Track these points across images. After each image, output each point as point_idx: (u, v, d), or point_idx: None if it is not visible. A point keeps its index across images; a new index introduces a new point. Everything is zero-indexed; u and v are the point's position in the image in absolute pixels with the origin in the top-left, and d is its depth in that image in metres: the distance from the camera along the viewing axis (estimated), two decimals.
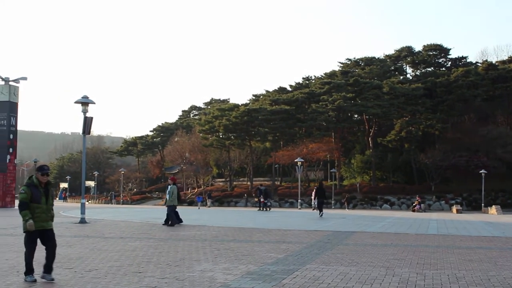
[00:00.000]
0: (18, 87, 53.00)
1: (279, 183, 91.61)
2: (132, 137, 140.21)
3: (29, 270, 9.26)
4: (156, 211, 47.84)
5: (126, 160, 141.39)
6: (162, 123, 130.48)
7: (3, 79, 52.15)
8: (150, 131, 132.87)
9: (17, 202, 53.37)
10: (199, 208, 55.59)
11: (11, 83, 52.29)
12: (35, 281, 9.12)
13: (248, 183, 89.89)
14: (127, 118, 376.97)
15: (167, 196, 25.36)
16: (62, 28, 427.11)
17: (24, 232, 9.40)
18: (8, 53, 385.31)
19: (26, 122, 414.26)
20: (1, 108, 51.83)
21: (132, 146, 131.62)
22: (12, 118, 52.10)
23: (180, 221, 24.89)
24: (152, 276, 9.93)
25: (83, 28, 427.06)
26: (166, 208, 25.44)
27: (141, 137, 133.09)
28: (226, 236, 19.19)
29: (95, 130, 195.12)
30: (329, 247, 15.72)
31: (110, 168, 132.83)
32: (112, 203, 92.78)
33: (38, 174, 9.44)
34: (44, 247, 9.39)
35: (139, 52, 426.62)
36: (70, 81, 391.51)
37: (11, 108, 52.24)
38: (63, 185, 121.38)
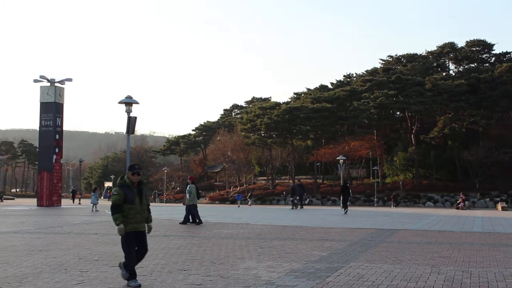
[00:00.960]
0: (63, 88, 53.74)
1: (321, 181, 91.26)
2: (175, 136, 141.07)
3: (132, 274, 8.87)
4: (199, 209, 48.13)
5: (169, 159, 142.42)
6: (204, 122, 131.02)
7: (48, 81, 52.91)
8: (193, 130, 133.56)
9: (63, 201, 54.14)
10: (238, 206, 55.49)
11: (56, 84, 53.03)
12: (139, 286, 8.75)
13: (290, 181, 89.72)
14: (169, 117, 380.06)
15: (187, 195, 25.34)
16: (106, 29, 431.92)
17: (120, 235, 8.98)
18: (54, 54, 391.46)
19: (71, 122, 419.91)
20: (47, 109, 52.62)
21: (175, 145, 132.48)
22: (57, 118, 52.85)
23: (200, 221, 24.44)
24: (196, 274, 10.02)
25: (126, 29, 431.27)
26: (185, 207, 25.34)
27: (183, 136, 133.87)
28: (269, 234, 19.24)
29: (139, 130, 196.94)
30: (372, 244, 15.66)
31: (154, 167, 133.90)
32: (155, 202, 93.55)
33: (129, 174, 9.03)
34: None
35: (182, 52, 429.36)
36: (114, 81, 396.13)
37: (57, 109, 52.99)
38: (108, 184, 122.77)
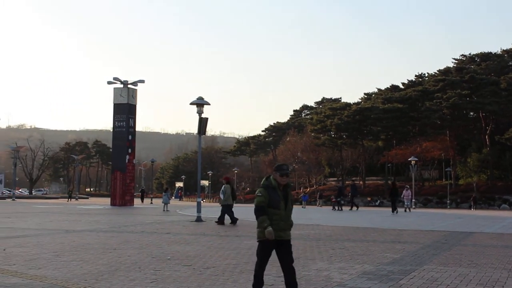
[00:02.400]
0: (136, 89, 54.79)
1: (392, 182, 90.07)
2: (245, 137, 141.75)
3: (258, 284, 8.22)
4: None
5: (239, 160, 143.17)
6: (274, 123, 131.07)
7: (122, 83, 54.01)
8: (262, 131, 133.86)
9: (135, 200, 55.15)
10: (303, 207, 54.82)
11: (129, 86, 54.11)
12: None
13: (361, 182, 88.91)
14: (239, 118, 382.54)
15: (221, 196, 25.32)
16: (177, 30, 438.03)
17: (258, 241, 8.12)
18: (127, 56, 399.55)
19: (143, 123, 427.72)
20: (120, 110, 53.74)
21: (245, 146, 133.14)
22: (130, 119, 53.89)
23: (234, 222, 24.51)
24: (268, 274, 10.00)
25: (198, 30, 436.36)
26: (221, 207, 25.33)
27: (253, 137, 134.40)
28: (340, 236, 19.13)
29: (209, 131, 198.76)
30: (446, 247, 15.36)
31: (224, 167, 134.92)
32: None
33: (277, 175, 7.93)
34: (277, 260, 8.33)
35: (253, 53, 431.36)
36: (185, 82, 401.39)
37: (130, 110, 54.05)
38: (179, 184, 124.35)
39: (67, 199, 78.82)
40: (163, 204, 42.94)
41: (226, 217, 24.67)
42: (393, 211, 40.85)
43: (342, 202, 47.77)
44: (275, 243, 8.00)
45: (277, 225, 7.88)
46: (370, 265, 11.34)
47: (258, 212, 7.94)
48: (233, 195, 25.45)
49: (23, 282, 8.98)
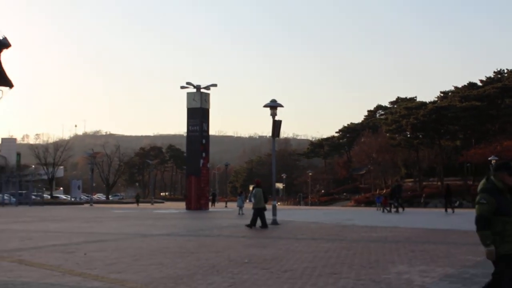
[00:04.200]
0: (208, 93, 55.26)
1: (471, 182, 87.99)
2: (318, 139, 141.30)
3: None
4: (345, 213, 47.92)
5: (313, 162, 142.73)
6: (347, 124, 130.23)
7: (194, 87, 54.58)
8: (336, 132, 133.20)
9: (212, 204, 55.43)
10: (377, 209, 53.41)
11: (202, 90, 54.63)
12: None
13: (439, 183, 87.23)
14: (312, 119, 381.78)
15: (252, 199, 24.96)
16: (248, 33, 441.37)
17: (496, 260, 6.38)
18: (199, 60, 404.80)
19: (216, 127, 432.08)
20: (193, 115, 54.30)
21: (319, 147, 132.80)
22: (203, 123, 54.37)
23: (265, 226, 23.97)
24: (347, 277, 9.86)
25: (268, 32, 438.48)
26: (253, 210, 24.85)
27: (327, 139, 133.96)
28: (419, 238, 18.74)
29: (282, 133, 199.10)
30: None
31: (298, 170, 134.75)
32: (300, 205, 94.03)
33: (504, 175, 6.40)
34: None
35: (325, 54, 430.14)
36: (257, 85, 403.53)
37: (203, 114, 54.53)
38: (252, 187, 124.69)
39: (136, 204, 79.87)
40: (238, 207, 43.08)
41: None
42: (446, 211, 43.75)
43: (396, 204, 46.42)
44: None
45: (510, 236, 6.30)
46: (452, 268, 11.03)
47: (480, 223, 6.37)
48: (265, 198, 25.02)
49: (105, 286, 9.09)
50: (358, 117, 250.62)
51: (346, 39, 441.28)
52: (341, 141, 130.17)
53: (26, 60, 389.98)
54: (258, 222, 23.81)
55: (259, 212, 24.24)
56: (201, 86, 54.69)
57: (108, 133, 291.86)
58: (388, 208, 46.97)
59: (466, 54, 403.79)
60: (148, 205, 78.33)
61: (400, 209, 46.45)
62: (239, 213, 40.70)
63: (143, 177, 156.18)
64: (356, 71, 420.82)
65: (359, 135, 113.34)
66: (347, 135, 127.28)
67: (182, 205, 62.73)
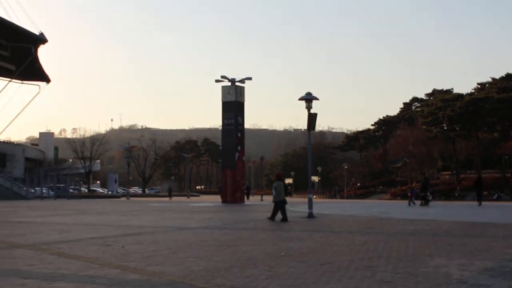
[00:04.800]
0: (243, 87, 55.32)
1: (510, 175, 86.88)
2: (354, 132, 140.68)
3: None
4: (381, 205, 47.63)
5: (349, 155, 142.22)
6: (383, 117, 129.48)
7: (229, 80, 54.66)
8: (372, 125, 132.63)
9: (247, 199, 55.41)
10: (409, 204, 51.79)
11: (237, 83, 54.70)
12: None
13: (476, 175, 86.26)
14: (347, 112, 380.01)
15: (273, 192, 24.79)
16: (282, 25, 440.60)
17: None
18: (234, 54, 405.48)
19: (251, 120, 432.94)
20: (228, 108, 54.41)
21: (354, 140, 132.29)
22: (239, 117, 54.46)
23: (285, 219, 23.50)
24: (384, 270, 9.79)
25: (304, 26, 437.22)
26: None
27: (362, 132, 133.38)
28: (457, 231, 18.56)
29: (317, 126, 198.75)
30: None
31: (333, 163, 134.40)
32: (336, 198, 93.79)
33: None
34: None
35: (359, 46, 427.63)
36: (291, 78, 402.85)
37: (238, 107, 54.61)
38: (288, 180, 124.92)
39: (168, 198, 79.60)
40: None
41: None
42: (479, 204, 42.46)
43: (429, 197, 45.88)
44: None
45: None
46: (491, 262, 10.87)
47: None
48: (286, 191, 24.89)
49: (142, 278, 9.15)
50: (394, 110, 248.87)
51: (382, 32, 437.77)
52: (376, 133, 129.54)
53: (63, 55, 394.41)
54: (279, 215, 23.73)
55: (279, 205, 24.12)
56: (236, 80, 54.75)
57: (143, 127, 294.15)
58: (414, 202, 46.08)
59: (504, 45, 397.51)
60: (184, 198, 78.72)
61: (431, 202, 46.35)
62: None
63: (178, 170, 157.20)
64: (392, 63, 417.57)
65: (395, 127, 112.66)
66: (383, 127, 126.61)
67: (217, 198, 62.94)
